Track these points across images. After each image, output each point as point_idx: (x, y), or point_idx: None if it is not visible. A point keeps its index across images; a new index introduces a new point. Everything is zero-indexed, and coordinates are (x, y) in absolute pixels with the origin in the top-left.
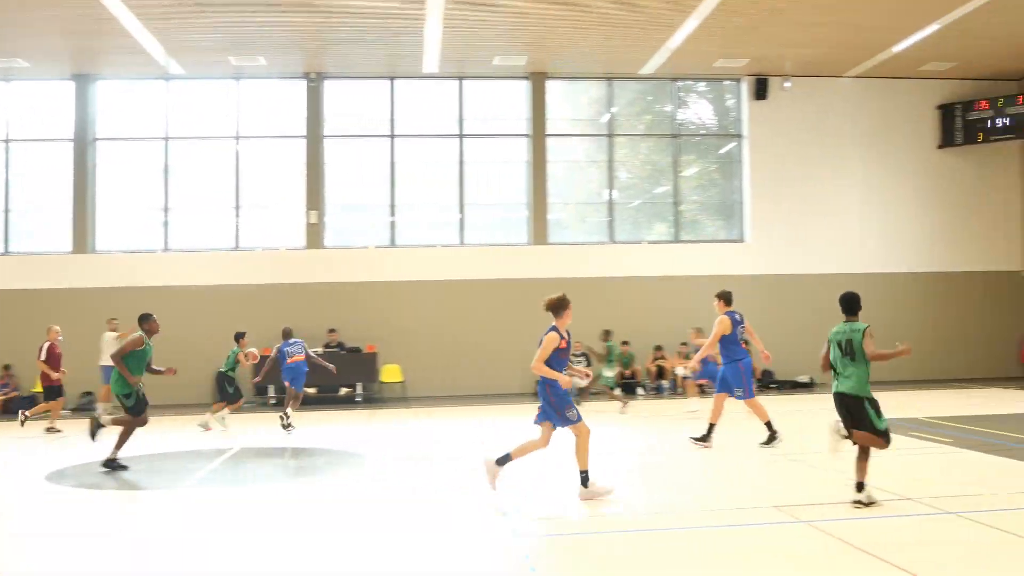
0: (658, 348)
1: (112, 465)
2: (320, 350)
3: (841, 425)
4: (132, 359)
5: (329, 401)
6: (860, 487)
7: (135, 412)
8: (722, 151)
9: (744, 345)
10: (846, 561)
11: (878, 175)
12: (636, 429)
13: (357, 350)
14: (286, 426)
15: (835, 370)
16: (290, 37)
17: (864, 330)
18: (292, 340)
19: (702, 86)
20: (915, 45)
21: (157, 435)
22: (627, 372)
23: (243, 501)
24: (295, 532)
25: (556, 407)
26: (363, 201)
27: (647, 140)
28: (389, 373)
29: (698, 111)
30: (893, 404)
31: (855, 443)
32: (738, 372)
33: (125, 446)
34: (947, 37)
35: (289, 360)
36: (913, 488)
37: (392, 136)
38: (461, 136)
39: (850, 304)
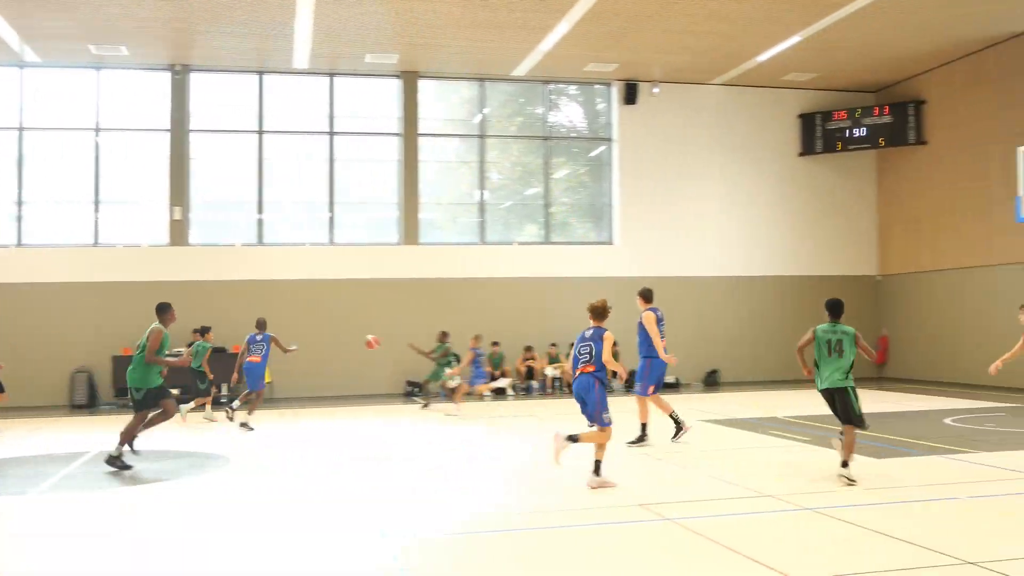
0: (528, 349)
1: (120, 466)
2: (183, 350)
3: (836, 441)
4: (159, 351)
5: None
6: (845, 464)
7: (140, 408)
8: (592, 154)
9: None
10: (709, 558)
11: (742, 180)
12: (510, 431)
13: (222, 350)
14: (243, 424)
15: (817, 367)
16: (153, 26)
17: (855, 333)
18: (260, 336)
19: (573, 89)
20: (778, 55)
21: (14, 439)
22: (497, 373)
23: (94, 504)
24: (152, 537)
25: (599, 405)
26: (230, 198)
27: (519, 142)
28: None
29: (569, 114)
30: (757, 404)
31: (846, 449)
32: (644, 368)
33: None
34: (808, 49)
35: (249, 358)
36: (774, 485)
37: (261, 132)
38: (332, 134)
39: (835, 308)
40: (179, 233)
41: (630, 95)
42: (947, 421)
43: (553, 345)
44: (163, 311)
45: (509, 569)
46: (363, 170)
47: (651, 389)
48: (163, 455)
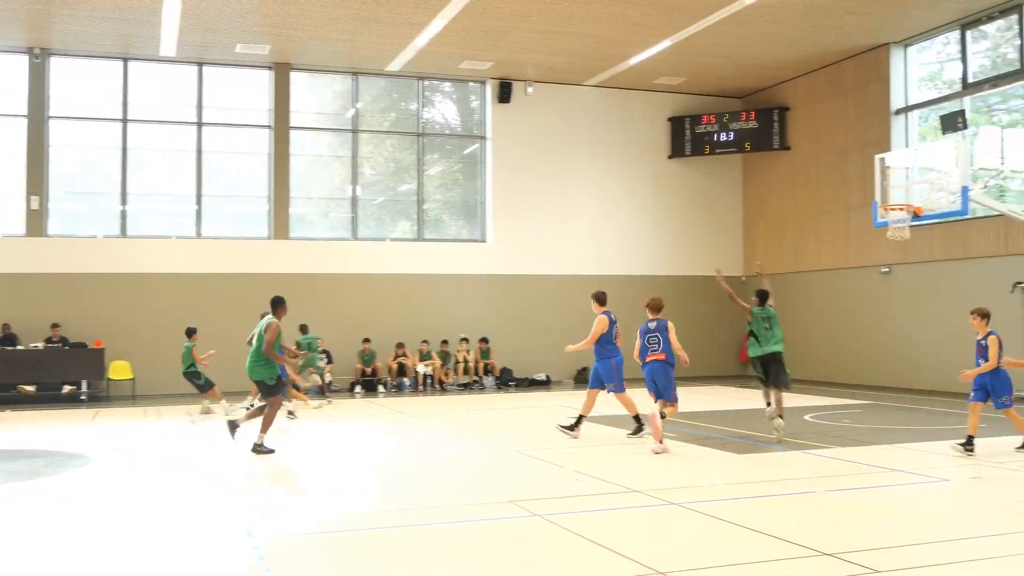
0: (399, 346)
1: (267, 452)
2: (41, 346)
3: (772, 411)
4: (276, 344)
5: (50, 400)
6: (782, 416)
7: (273, 393)
8: (466, 152)
9: (618, 343)
10: (577, 553)
11: (614, 181)
12: (381, 429)
13: (83, 345)
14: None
15: (757, 338)
16: (9, 6)
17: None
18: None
19: (448, 86)
20: (650, 59)
21: None
22: (368, 369)
23: None
24: (9, 541)
25: (672, 384)
26: (92, 188)
27: (392, 137)
28: (118, 370)
29: (443, 111)
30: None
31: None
32: (610, 368)
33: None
34: (678, 53)
35: None
36: (640, 481)
37: (125, 120)
38: (200, 124)
39: (763, 296)
40: (36, 224)
41: (504, 94)
42: (807, 418)
43: (425, 342)
44: (278, 305)
45: (377, 567)
46: (232, 162)
47: (608, 386)
48: (19, 454)
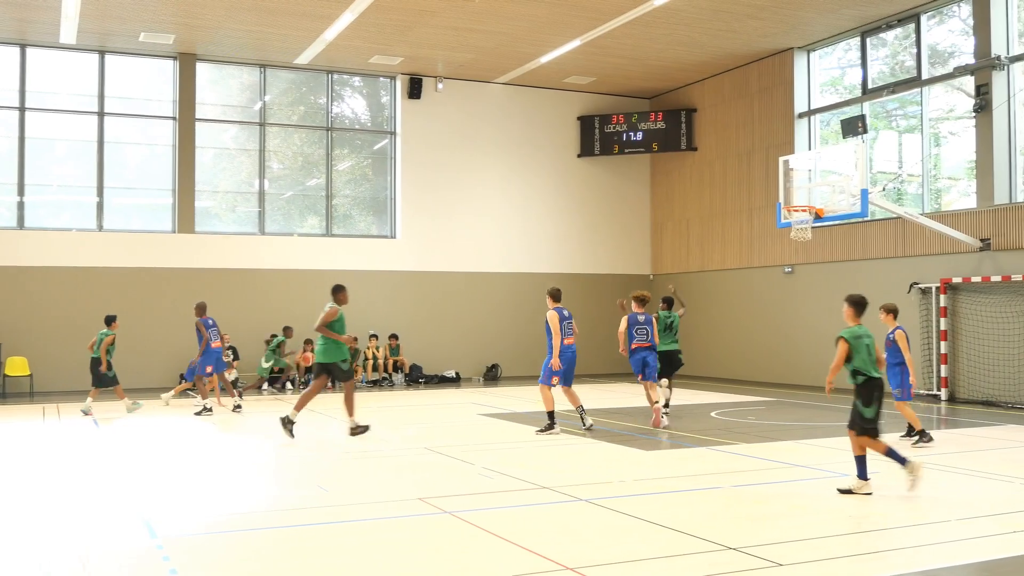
0: (308, 342)
1: (363, 430)
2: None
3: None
4: (337, 326)
5: None
6: (667, 405)
7: (348, 377)
8: (376, 147)
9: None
10: (485, 548)
11: (524, 179)
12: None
13: None
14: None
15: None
16: None
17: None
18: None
19: (357, 81)
20: (560, 58)
21: None
22: (276, 368)
23: None
24: None
25: (656, 366)
26: None
27: (300, 131)
28: (14, 366)
29: (353, 106)
30: (536, 398)
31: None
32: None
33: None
34: (587, 53)
35: (214, 344)
36: (550, 478)
37: (22, 108)
38: (101, 114)
39: (668, 301)
40: None
41: (415, 89)
42: (713, 414)
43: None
44: (338, 291)
45: (284, 565)
46: (135, 154)
47: (555, 380)
48: None
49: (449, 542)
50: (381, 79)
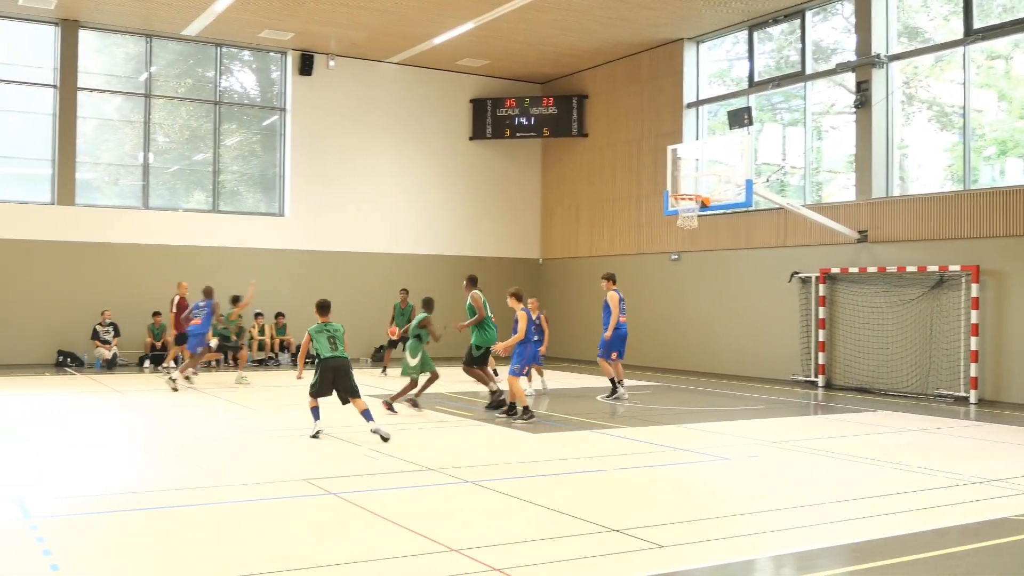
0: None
1: (529, 413)
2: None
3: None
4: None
5: None
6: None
7: (483, 362)
8: (265, 123)
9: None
10: (370, 530)
11: (415, 160)
12: (169, 403)
13: None
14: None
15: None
16: None
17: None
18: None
19: (247, 55)
20: (453, 40)
21: None
22: (158, 344)
23: None
24: None
25: None
26: None
27: (187, 104)
28: None
29: (242, 80)
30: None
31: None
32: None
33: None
34: (481, 36)
35: (193, 321)
36: (434, 460)
37: None
38: None
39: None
40: None
41: (306, 66)
42: (598, 398)
43: (258, 320)
44: (473, 283)
45: (159, 545)
46: (12, 121)
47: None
48: None
49: (334, 523)
50: (271, 54)
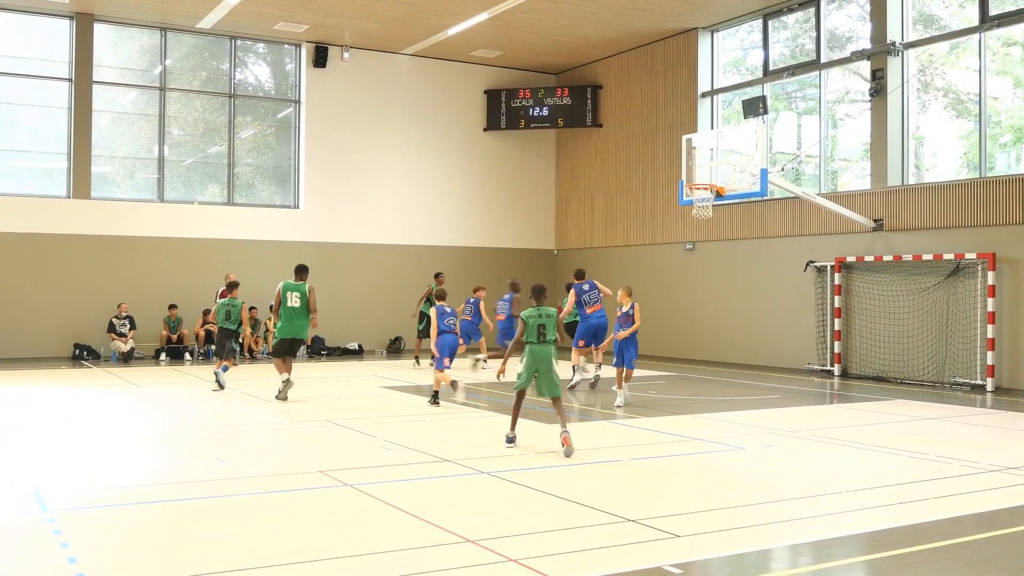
0: (207, 312)
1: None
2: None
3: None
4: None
5: None
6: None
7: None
8: (279, 115)
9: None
10: (388, 521)
11: (429, 151)
12: (186, 396)
13: None
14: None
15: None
16: None
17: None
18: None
19: (261, 47)
20: (467, 31)
21: None
22: (174, 336)
23: None
24: None
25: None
26: None
27: (202, 97)
28: None
29: (257, 73)
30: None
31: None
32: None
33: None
34: (495, 27)
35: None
36: (452, 450)
37: None
38: None
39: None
40: None
41: (320, 58)
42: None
43: (253, 308)
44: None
45: (177, 537)
46: (28, 115)
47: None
48: None
49: (350, 515)
50: (286, 46)
